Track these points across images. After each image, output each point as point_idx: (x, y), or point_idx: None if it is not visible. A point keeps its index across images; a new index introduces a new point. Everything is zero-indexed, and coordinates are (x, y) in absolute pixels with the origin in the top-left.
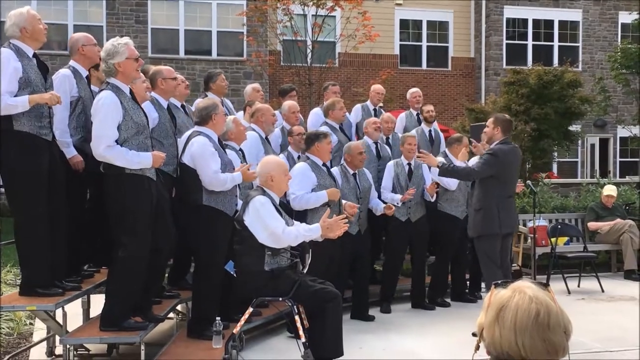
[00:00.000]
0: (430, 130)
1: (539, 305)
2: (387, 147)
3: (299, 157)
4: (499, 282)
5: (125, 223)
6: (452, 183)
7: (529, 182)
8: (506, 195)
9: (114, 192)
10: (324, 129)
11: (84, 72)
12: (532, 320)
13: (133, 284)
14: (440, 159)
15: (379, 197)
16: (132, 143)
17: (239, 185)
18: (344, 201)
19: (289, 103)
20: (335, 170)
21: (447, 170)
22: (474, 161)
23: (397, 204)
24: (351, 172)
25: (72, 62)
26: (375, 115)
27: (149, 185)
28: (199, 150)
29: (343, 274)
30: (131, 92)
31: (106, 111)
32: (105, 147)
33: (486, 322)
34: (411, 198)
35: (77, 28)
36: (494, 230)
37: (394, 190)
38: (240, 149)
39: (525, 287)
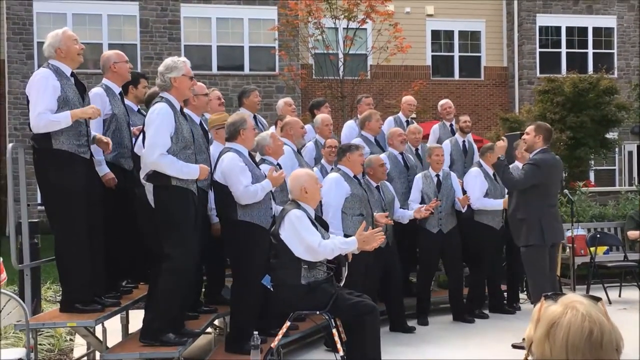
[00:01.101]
0: (464, 141)
1: (592, 323)
2: (411, 157)
3: (332, 170)
4: (549, 294)
5: (169, 235)
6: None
7: (566, 191)
8: (548, 206)
9: (158, 203)
10: (358, 141)
11: (117, 89)
12: (585, 339)
13: (175, 297)
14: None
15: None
16: (179, 157)
17: (273, 197)
18: (375, 213)
19: (323, 116)
20: None
21: (501, 166)
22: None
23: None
24: (374, 184)
25: (104, 80)
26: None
27: (193, 199)
28: (228, 166)
29: (374, 287)
30: (181, 108)
31: (161, 121)
32: (159, 154)
33: (536, 337)
34: (435, 210)
35: (111, 47)
36: (538, 241)
37: (422, 202)
38: (278, 164)
39: (577, 303)
